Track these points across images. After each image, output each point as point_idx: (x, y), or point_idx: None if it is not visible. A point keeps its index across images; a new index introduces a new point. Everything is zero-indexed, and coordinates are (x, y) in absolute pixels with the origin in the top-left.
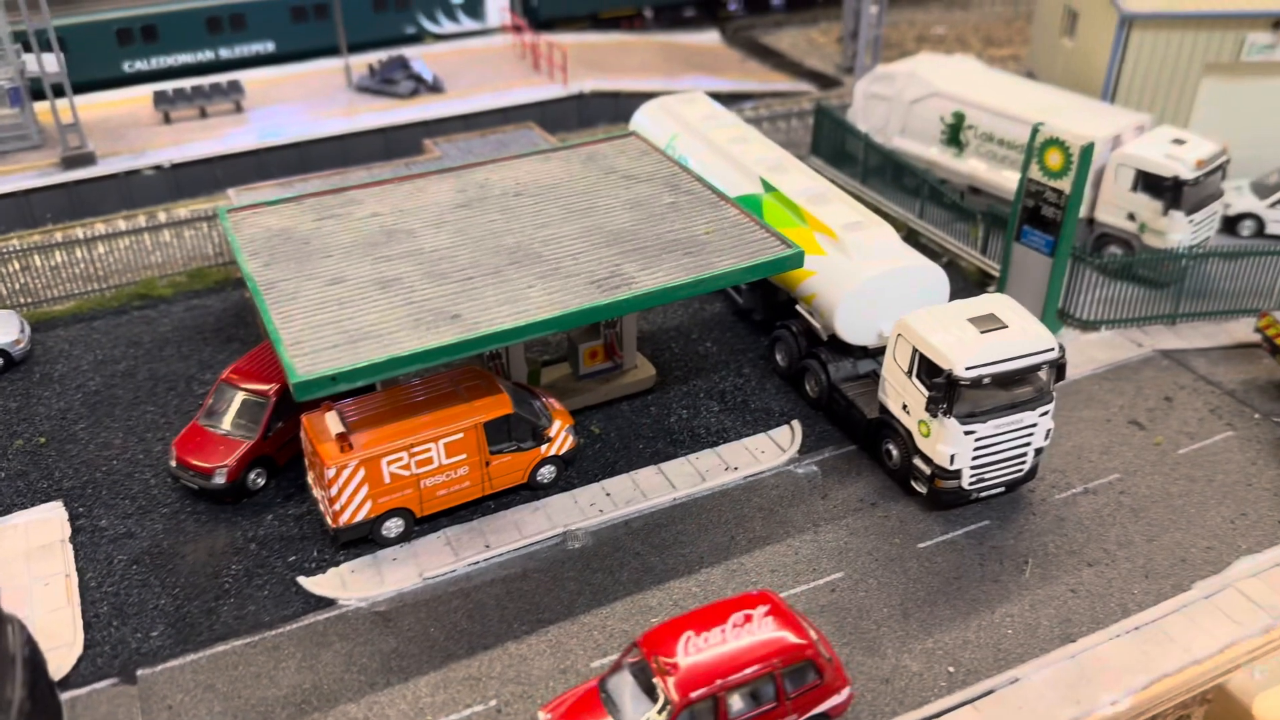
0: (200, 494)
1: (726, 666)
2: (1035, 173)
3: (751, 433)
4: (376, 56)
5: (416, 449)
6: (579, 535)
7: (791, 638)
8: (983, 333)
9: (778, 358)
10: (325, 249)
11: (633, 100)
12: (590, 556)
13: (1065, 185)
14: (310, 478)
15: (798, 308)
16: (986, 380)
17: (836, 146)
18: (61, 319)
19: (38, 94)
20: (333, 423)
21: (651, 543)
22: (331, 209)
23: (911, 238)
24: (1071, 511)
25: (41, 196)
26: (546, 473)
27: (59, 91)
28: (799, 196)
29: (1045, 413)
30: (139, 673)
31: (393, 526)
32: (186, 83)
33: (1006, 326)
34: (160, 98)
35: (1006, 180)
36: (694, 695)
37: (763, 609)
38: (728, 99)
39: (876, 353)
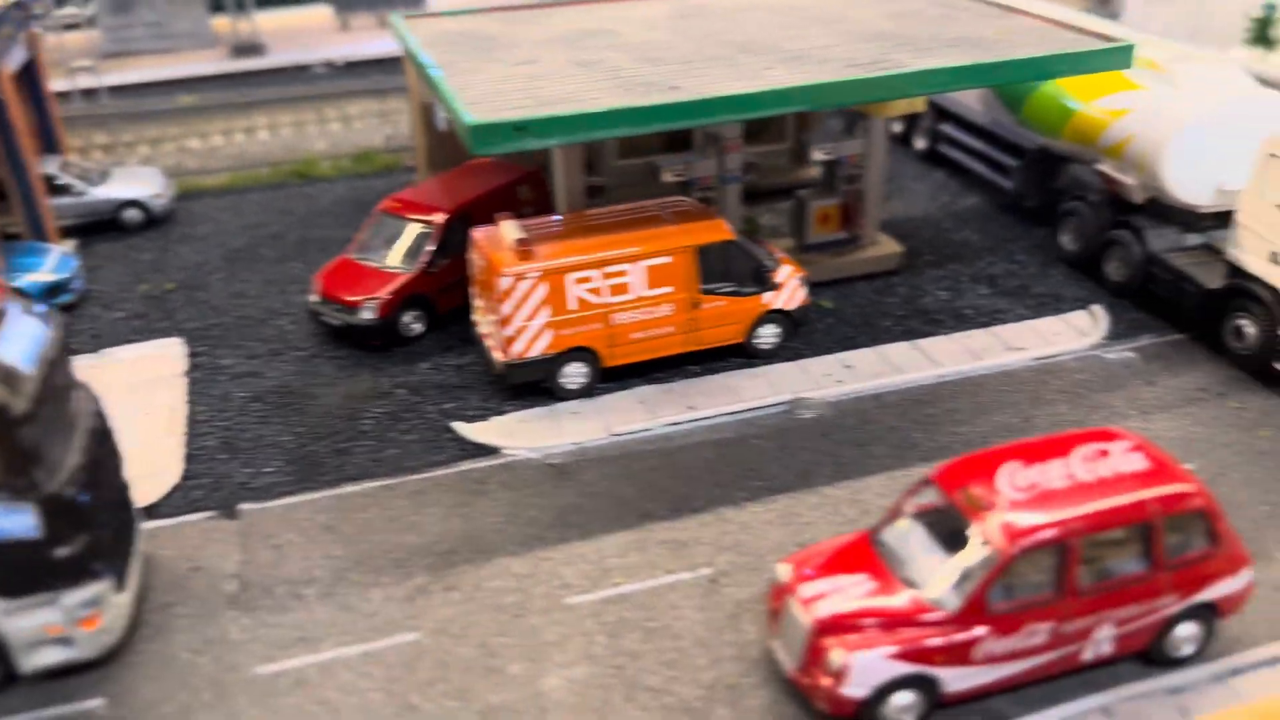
0: (344, 335)
1: (1079, 504)
2: None
3: (1037, 315)
4: None
5: (611, 268)
6: (812, 404)
7: (1174, 477)
8: None
9: (1065, 240)
10: (514, 43)
11: None
12: (830, 427)
13: None
14: (477, 312)
15: (1101, 167)
16: None
17: None
18: (212, 190)
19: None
20: (511, 230)
21: (913, 418)
22: (521, 19)
23: None
24: None
25: (209, 86)
26: (769, 334)
27: None
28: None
29: None
30: (242, 507)
31: (574, 374)
32: None
33: None
34: (341, 3)
35: None
36: (1029, 541)
37: (1123, 444)
38: None
39: (1207, 224)
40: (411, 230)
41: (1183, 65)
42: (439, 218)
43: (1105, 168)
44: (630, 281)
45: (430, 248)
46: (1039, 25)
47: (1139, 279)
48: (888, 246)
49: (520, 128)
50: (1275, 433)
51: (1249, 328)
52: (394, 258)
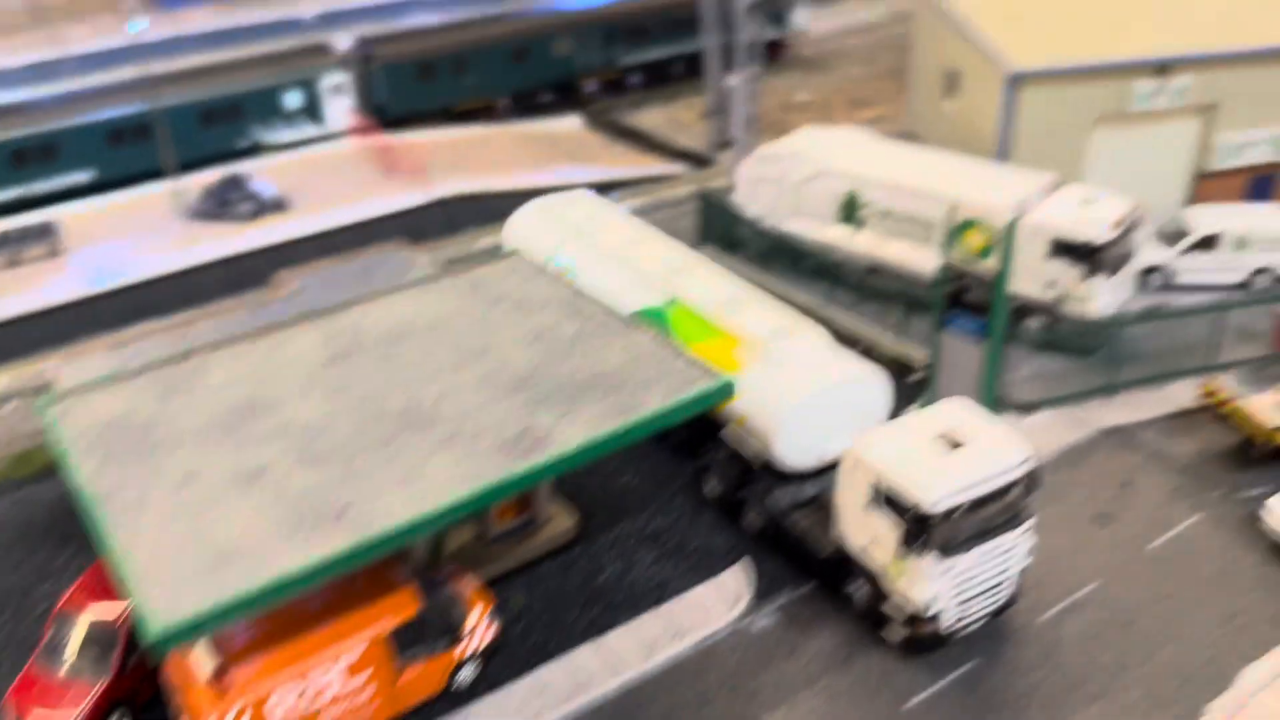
0: None
1: None
2: (956, 255)
3: (695, 581)
4: (210, 176)
5: (312, 676)
6: None
7: None
8: (948, 454)
9: (708, 487)
10: (174, 437)
11: (500, 201)
12: None
13: (991, 265)
14: None
15: (724, 434)
16: (962, 509)
17: (727, 233)
18: None
19: None
20: (204, 658)
21: None
22: (177, 382)
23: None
24: (1060, 635)
25: None
26: (467, 674)
27: None
28: (711, 305)
29: (1027, 529)
30: None
31: None
32: None
33: (972, 441)
34: None
35: (908, 257)
36: None
37: None
38: (601, 189)
39: (820, 472)
40: (97, 630)
41: (779, 345)
42: (122, 615)
43: (730, 434)
44: (331, 681)
45: (120, 648)
46: (656, 349)
47: (770, 530)
48: (562, 520)
49: (199, 626)
50: (890, 698)
51: (859, 593)
52: (85, 663)
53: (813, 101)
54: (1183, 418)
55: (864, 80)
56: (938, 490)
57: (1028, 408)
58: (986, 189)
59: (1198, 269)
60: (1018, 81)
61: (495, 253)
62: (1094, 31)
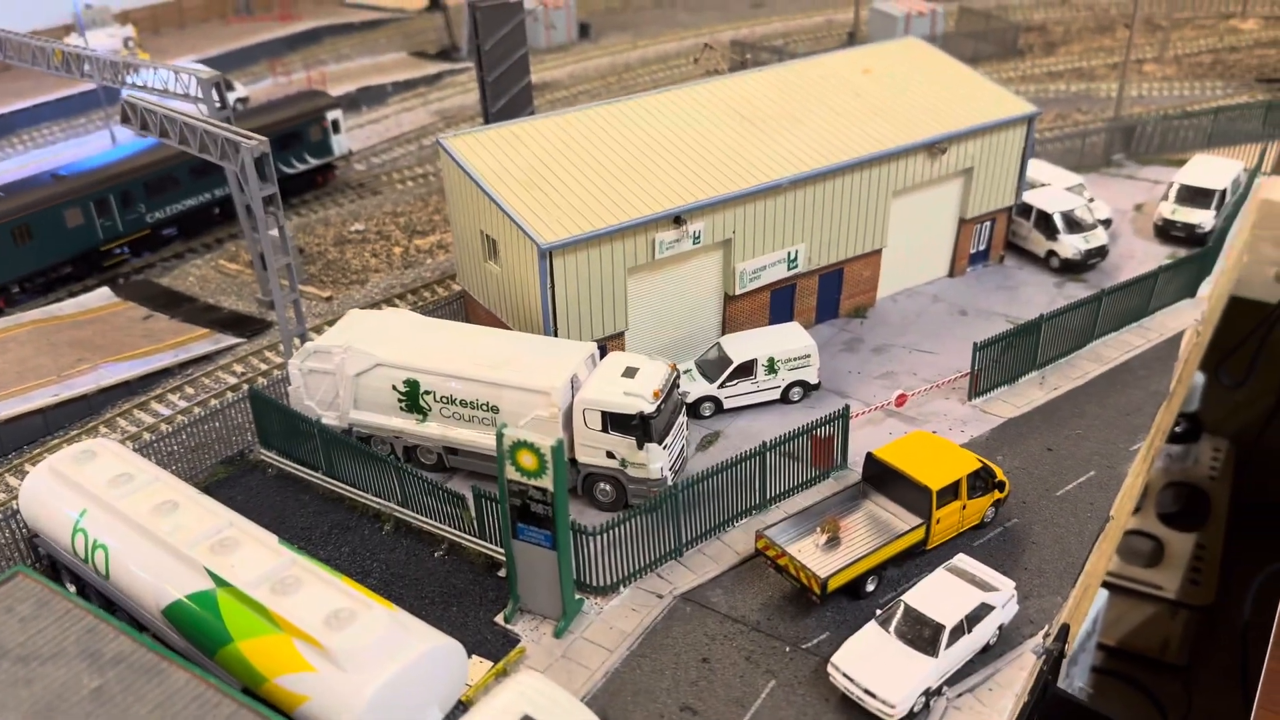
0: None
1: None
2: (512, 473)
3: None
4: None
5: None
6: None
7: None
8: None
9: None
10: None
11: (20, 427)
12: None
13: (547, 483)
14: None
15: None
16: None
17: (288, 432)
18: None
19: None
20: None
21: None
22: None
23: (402, 527)
24: None
25: None
26: None
27: None
28: (261, 588)
29: None
30: None
31: None
32: None
33: None
34: None
35: (481, 438)
36: None
37: None
38: (139, 384)
39: None
40: None
41: (337, 636)
42: None
43: None
44: None
45: None
46: (196, 693)
47: None
48: None
49: None
50: None
51: None
52: None
53: (368, 231)
54: (745, 567)
55: (417, 200)
56: None
57: (608, 590)
58: (530, 370)
59: (741, 393)
60: (548, 253)
61: None
62: (613, 194)
